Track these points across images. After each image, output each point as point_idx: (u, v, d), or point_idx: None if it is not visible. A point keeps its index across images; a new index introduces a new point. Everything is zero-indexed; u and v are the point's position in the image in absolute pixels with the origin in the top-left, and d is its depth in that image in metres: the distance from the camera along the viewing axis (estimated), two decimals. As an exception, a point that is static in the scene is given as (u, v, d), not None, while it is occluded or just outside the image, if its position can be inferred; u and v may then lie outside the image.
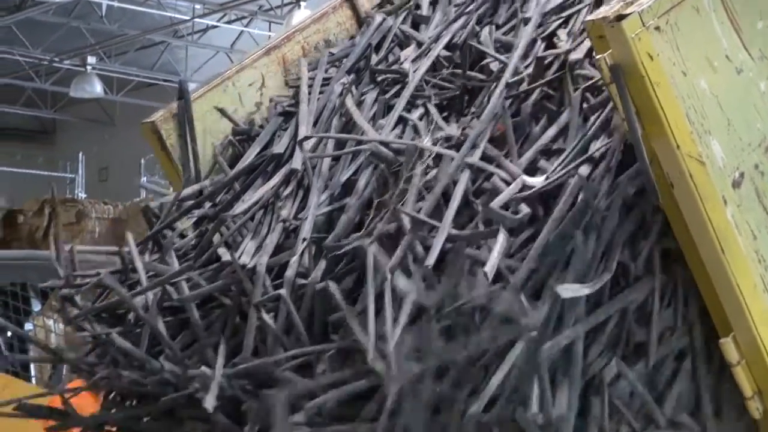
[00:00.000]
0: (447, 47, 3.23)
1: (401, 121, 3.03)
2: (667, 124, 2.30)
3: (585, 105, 2.70)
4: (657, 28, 2.31)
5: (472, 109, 2.98)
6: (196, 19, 15.73)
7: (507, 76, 2.87)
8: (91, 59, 17.05)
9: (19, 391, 6.43)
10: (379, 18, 3.56)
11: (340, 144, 3.07)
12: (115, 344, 2.86)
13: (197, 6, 15.25)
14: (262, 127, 3.37)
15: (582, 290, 2.29)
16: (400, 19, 3.54)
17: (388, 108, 3.11)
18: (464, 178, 2.63)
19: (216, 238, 2.95)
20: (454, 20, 3.34)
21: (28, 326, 6.65)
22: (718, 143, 2.38)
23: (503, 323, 2.29)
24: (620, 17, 2.27)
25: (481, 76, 3.05)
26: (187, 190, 3.20)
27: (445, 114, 3.04)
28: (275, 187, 3.01)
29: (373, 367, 2.35)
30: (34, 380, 6.62)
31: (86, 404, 3.15)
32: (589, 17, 2.41)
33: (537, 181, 2.54)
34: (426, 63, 3.18)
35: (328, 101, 3.24)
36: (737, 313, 2.37)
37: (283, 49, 3.60)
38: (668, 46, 2.33)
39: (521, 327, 2.26)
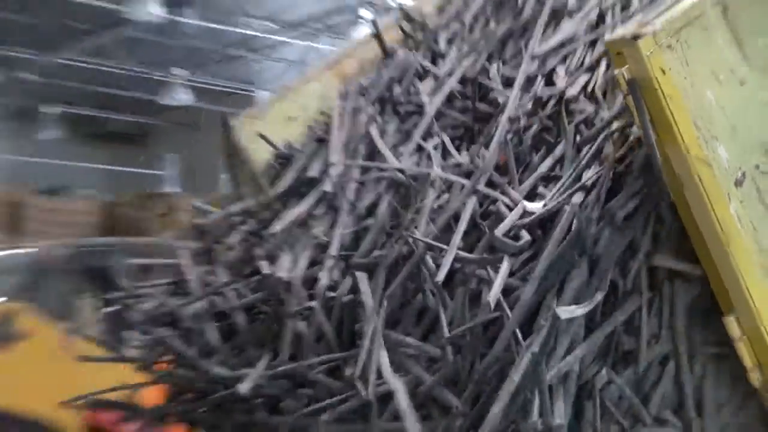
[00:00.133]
0: (459, 81, 3.43)
1: (419, 148, 3.24)
2: (678, 131, 2.44)
3: (578, 137, 2.88)
4: (669, 46, 2.44)
5: (481, 138, 3.17)
6: (269, 35, 16.25)
7: (510, 111, 3.07)
8: (180, 71, 17.82)
9: (48, 335, 6.63)
10: (401, 54, 3.76)
11: (365, 169, 3.29)
12: (172, 346, 3.12)
13: (271, 24, 15.79)
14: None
15: (578, 311, 2.41)
16: (420, 54, 3.70)
17: (407, 135, 3.34)
18: (471, 202, 2.84)
19: (258, 252, 3.17)
20: (466, 56, 3.52)
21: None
22: (723, 147, 2.50)
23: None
24: (636, 36, 2.42)
25: (489, 110, 3.24)
26: (234, 207, 3.48)
27: (457, 143, 3.25)
28: (309, 208, 3.24)
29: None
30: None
31: (150, 398, 3.38)
32: (608, 37, 2.59)
33: (536, 207, 2.72)
34: (440, 96, 3.39)
35: (356, 129, 3.45)
36: (739, 296, 2.49)
37: (342, 64, 3.87)
38: (678, 62, 2.46)
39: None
